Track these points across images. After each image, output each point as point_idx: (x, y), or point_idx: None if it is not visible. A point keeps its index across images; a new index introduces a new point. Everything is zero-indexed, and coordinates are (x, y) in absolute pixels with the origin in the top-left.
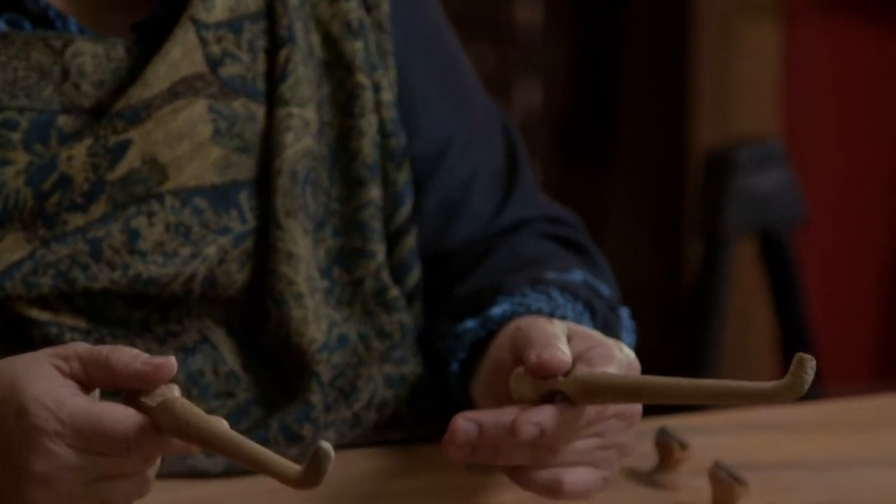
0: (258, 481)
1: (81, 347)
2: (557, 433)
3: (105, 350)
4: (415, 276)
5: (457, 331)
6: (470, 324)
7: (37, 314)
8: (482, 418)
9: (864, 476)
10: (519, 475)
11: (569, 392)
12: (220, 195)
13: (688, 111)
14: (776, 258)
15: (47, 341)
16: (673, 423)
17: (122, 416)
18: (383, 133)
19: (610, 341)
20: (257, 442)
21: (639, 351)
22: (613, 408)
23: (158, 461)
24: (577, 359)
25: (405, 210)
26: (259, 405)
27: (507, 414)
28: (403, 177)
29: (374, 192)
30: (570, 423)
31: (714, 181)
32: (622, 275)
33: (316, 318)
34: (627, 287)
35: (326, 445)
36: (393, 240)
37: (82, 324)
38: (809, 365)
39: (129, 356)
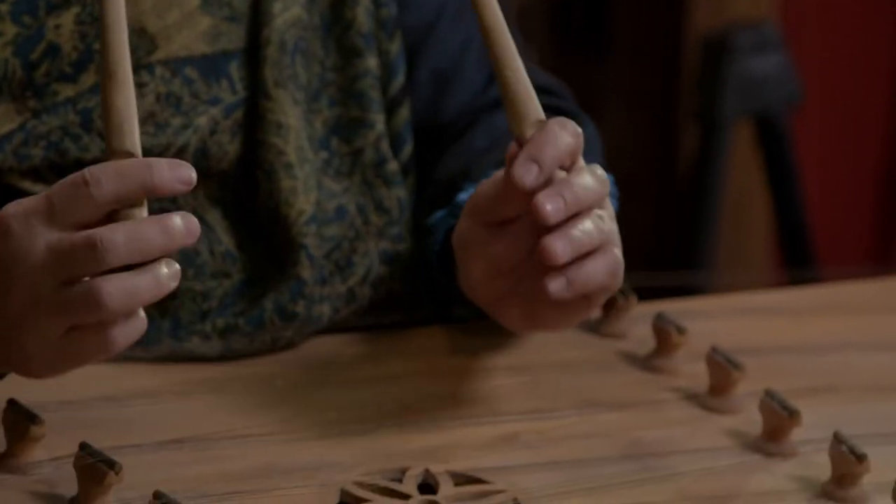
0: (255, 364)
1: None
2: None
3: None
4: (408, 149)
5: (430, 223)
6: (440, 214)
7: (29, 186)
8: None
9: (859, 360)
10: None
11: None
12: (210, 65)
13: None
14: (772, 141)
15: None
16: (670, 307)
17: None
18: (375, 2)
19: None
20: (252, 325)
21: (637, 234)
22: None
23: (132, 329)
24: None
25: (398, 80)
26: (254, 285)
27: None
28: (395, 47)
29: (371, 62)
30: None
31: (710, 65)
32: (619, 160)
33: (306, 189)
34: (625, 172)
35: None
36: (388, 111)
37: None
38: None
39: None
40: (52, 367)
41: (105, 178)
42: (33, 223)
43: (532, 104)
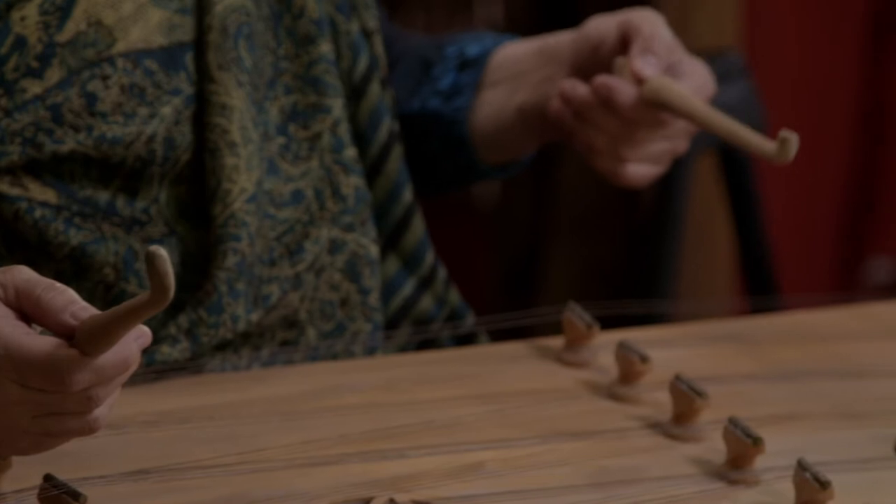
0: (220, 393)
1: (21, 277)
2: (638, 123)
3: (40, 287)
4: (386, 126)
5: (442, 87)
6: (450, 76)
7: (6, 188)
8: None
9: (822, 387)
10: (594, 155)
11: (645, 94)
12: (169, 56)
13: None
14: (735, 171)
15: (17, 217)
16: (633, 336)
17: (50, 349)
18: None
19: (693, 58)
20: (214, 313)
21: (601, 264)
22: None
23: (110, 401)
24: (669, 66)
25: (363, 62)
26: (200, 270)
27: (604, 79)
28: (355, 27)
29: (325, 48)
30: (649, 119)
31: None
32: (583, 190)
33: (248, 167)
34: (588, 202)
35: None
36: (356, 95)
37: (52, 199)
38: (793, 139)
39: (61, 302)
40: (38, 446)
41: (83, 381)
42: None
43: (751, 132)
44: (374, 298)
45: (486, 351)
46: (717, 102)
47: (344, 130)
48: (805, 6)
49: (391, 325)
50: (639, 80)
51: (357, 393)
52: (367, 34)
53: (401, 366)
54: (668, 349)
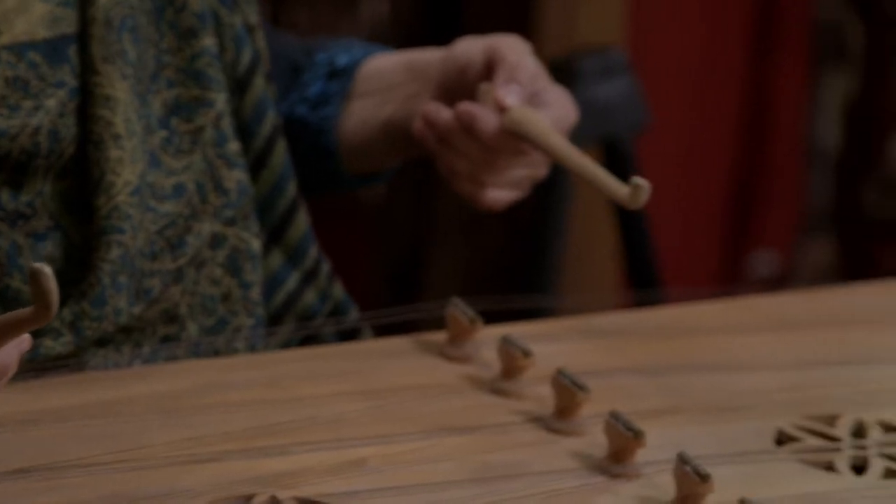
0: (102, 391)
1: None
2: (499, 150)
3: None
4: (270, 119)
5: (309, 95)
6: (318, 84)
7: None
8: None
9: (704, 381)
10: (454, 178)
11: (506, 124)
12: (52, 49)
13: (532, 21)
14: (619, 166)
15: None
16: (516, 331)
17: None
18: None
19: (556, 87)
20: (97, 306)
21: (484, 259)
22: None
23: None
24: (531, 95)
25: (246, 55)
26: (83, 264)
27: (467, 106)
28: (238, 20)
29: (208, 41)
30: (510, 147)
31: None
32: None
33: (133, 159)
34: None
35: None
36: (239, 89)
37: None
38: (645, 186)
39: None
40: None
41: None
42: None
43: (606, 174)
44: (255, 293)
45: (369, 347)
46: (601, 99)
47: (227, 124)
48: (689, 3)
49: (274, 320)
50: (502, 109)
51: (240, 390)
52: (249, 28)
53: (284, 362)
54: (551, 344)
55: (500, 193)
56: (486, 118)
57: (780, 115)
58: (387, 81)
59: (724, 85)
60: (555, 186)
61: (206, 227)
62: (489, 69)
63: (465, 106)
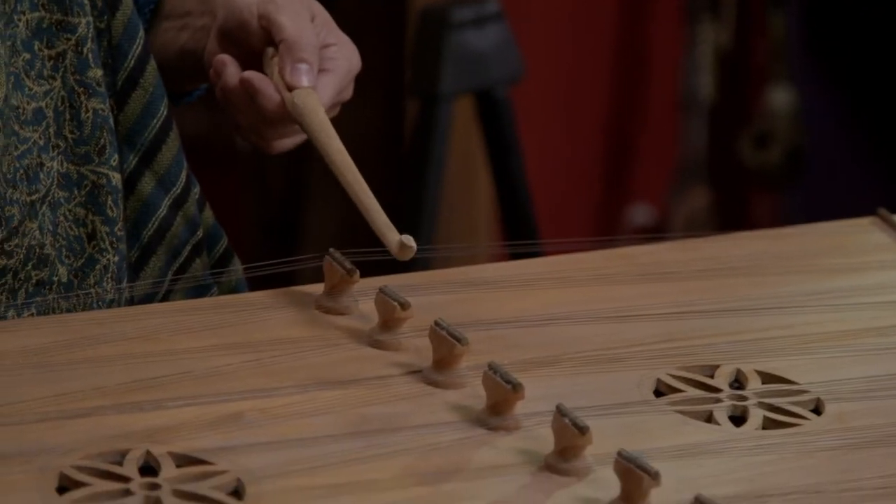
0: None
1: None
2: (280, 122)
3: None
4: (141, 38)
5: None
6: None
7: None
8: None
9: (582, 332)
10: (237, 130)
11: (288, 105)
12: None
13: None
14: (493, 116)
15: None
16: (393, 281)
17: None
18: None
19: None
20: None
21: (361, 214)
22: None
23: None
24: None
25: None
26: None
27: (250, 77)
28: None
29: None
30: (291, 122)
31: (428, 39)
32: (345, 136)
33: None
34: (350, 149)
35: None
36: (111, 6)
37: None
38: (413, 247)
39: None
40: None
41: None
42: None
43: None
44: (119, 228)
45: (245, 299)
46: (475, 48)
47: (88, 50)
48: None
49: (146, 251)
50: (290, 88)
51: (112, 343)
52: None
53: (157, 315)
54: (429, 295)
55: (285, 142)
56: (267, 94)
57: (654, 67)
58: (184, 7)
59: (598, 36)
60: (431, 136)
61: (55, 166)
62: (268, 35)
63: (249, 76)
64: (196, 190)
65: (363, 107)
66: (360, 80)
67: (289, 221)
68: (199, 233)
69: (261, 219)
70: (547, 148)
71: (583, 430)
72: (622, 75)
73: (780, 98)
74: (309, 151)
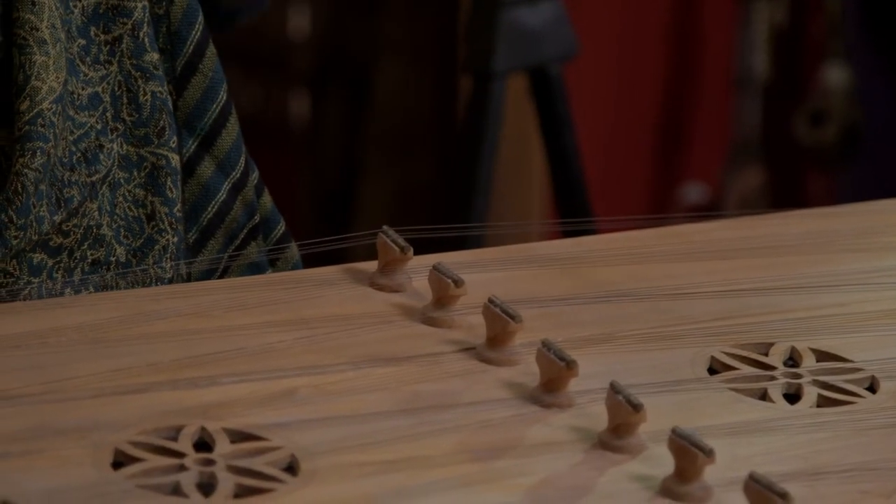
0: (26, 323)
1: None
2: None
3: None
4: (200, 23)
5: None
6: None
7: None
8: None
9: (635, 309)
10: None
11: None
12: None
13: None
14: (547, 94)
15: None
16: (447, 259)
17: None
18: None
19: None
20: (22, 214)
21: (416, 188)
22: None
23: None
24: None
25: None
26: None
27: None
28: None
29: None
30: None
31: (482, 17)
32: (398, 115)
33: (56, 67)
34: (404, 127)
35: None
36: None
37: None
38: None
39: None
40: None
41: None
42: None
43: None
44: (178, 209)
45: (299, 276)
46: (528, 26)
47: (145, 34)
48: None
49: (205, 233)
50: None
51: (167, 320)
52: None
53: (211, 291)
54: (483, 272)
55: None
56: None
57: (709, 44)
58: None
59: (653, 13)
60: (484, 114)
61: (115, 147)
62: None
63: None
64: (255, 175)
65: (417, 85)
66: (414, 58)
67: (342, 199)
68: (257, 217)
69: (314, 196)
70: (600, 126)
71: (637, 408)
72: (676, 53)
73: (836, 76)
74: (362, 128)
